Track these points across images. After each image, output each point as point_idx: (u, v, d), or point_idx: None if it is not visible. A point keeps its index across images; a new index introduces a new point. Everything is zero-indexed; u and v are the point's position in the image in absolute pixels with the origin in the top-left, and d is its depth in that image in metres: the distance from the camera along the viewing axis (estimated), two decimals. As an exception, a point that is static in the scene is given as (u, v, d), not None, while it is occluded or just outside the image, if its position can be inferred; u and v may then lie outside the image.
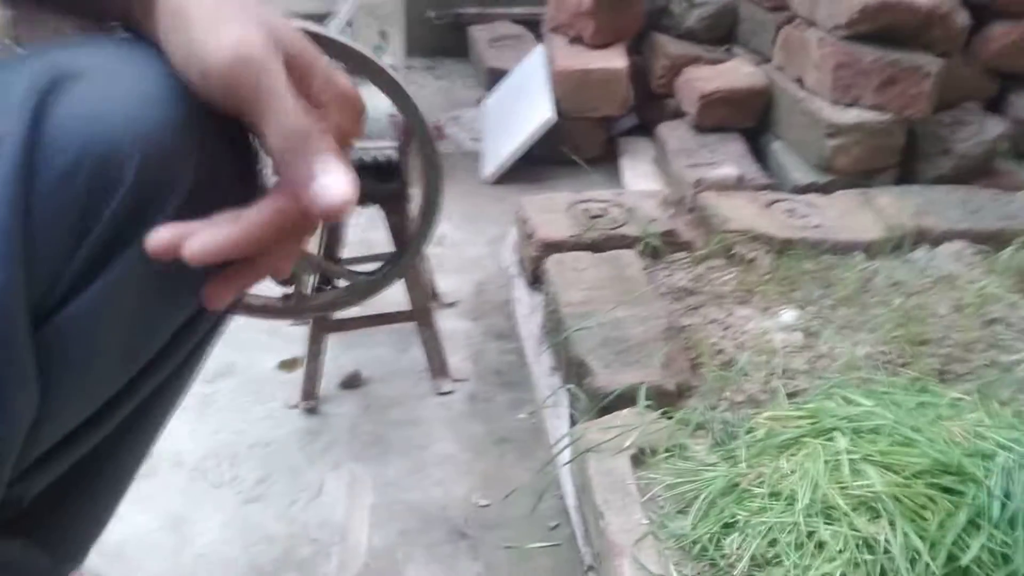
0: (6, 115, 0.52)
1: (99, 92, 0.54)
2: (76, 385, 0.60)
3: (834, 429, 1.13)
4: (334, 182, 0.53)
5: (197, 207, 0.57)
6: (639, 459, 1.25)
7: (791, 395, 1.37)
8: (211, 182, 0.58)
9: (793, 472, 1.07)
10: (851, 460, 1.06)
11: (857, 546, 0.98)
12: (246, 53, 0.52)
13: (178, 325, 0.64)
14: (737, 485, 1.11)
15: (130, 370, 0.63)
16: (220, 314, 0.71)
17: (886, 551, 0.96)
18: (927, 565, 0.94)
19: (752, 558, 1.02)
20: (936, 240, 1.84)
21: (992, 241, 1.83)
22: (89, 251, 0.55)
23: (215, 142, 0.59)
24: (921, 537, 0.96)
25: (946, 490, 1.01)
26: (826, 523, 1.01)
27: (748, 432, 1.23)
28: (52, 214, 0.53)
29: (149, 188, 0.55)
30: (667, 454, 1.24)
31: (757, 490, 1.09)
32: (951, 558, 0.96)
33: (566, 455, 1.36)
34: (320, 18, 2.16)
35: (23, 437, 0.58)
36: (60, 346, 0.57)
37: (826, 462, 1.07)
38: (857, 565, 0.97)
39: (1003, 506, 0.97)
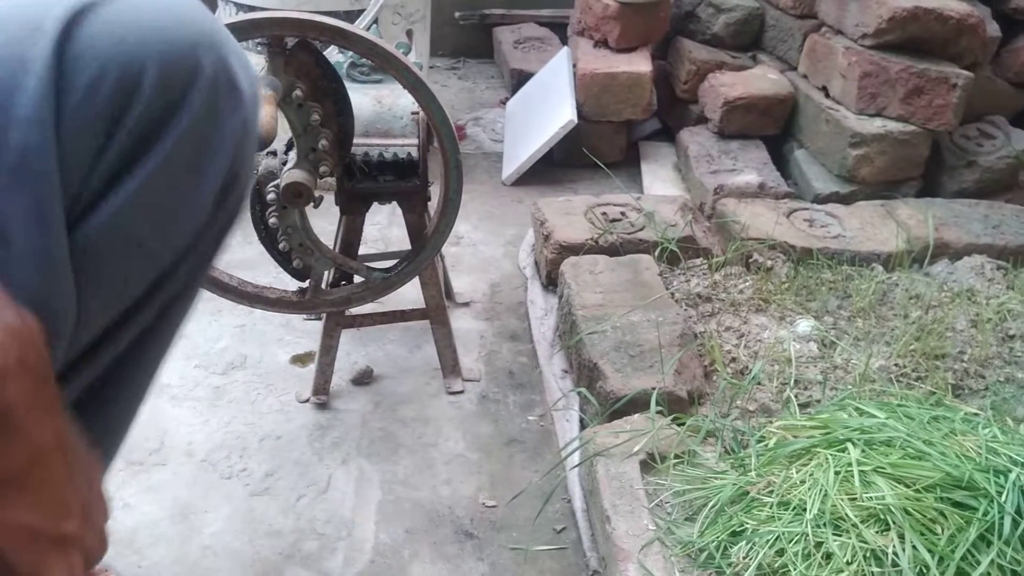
0: (39, 36, 0.56)
1: (126, 11, 0.59)
2: (102, 290, 0.64)
3: (846, 440, 1.12)
4: None
5: (203, 130, 0.62)
6: (648, 465, 1.25)
7: (804, 405, 1.36)
8: (217, 105, 0.62)
9: (803, 482, 1.07)
10: (862, 472, 1.05)
11: (865, 558, 0.97)
12: None
13: (184, 239, 0.68)
14: (746, 494, 1.10)
15: (146, 276, 0.67)
16: (214, 241, 0.74)
17: (895, 564, 0.95)
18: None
19: (759, 567, 1.02)
20: (957, 254, 1.82)
21: (1013, 257, 1.81)
22: (112, 159, 0.59)
23: (232, 68, 0.64)
24: (930, 551, 0.95)
25: (957, 504, 1.00)
26: (835, 534, 1.00)
27: (759, 441, 1.22)
28: (79, 127, 0.57)
29: (164, 101, 0.59)
30: (676, 460, 1.24)
31: (766, 499, 1.08)
32: (960, 573, 0.95)
33: (575, 458, 1.36)
34: (348, 15, 2.17)
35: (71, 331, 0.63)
36: (89, 251, 0.61)
37: (836, 473, 1.06)
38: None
39: (1015, 523, 0.96)
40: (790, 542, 1.02)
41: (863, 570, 0.96)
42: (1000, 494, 0.98)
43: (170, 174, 0.61)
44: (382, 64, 1.32)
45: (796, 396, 1.38)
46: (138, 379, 0.78)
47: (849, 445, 1.11)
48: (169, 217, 0.64)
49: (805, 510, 1.03)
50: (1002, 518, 0.96)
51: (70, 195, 0.57)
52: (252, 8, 2.13)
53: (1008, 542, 0.95)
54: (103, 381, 0.73)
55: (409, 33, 2.37)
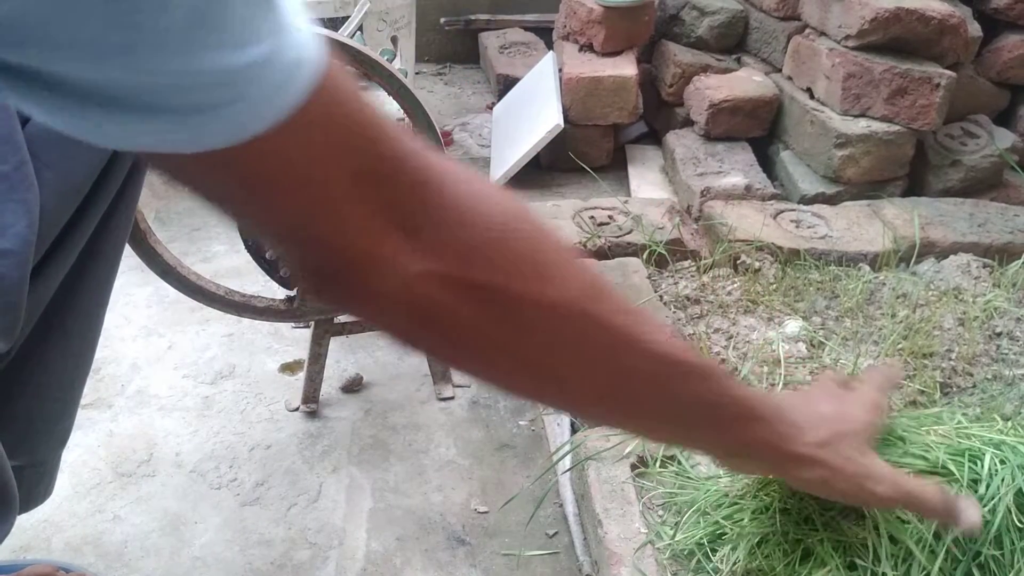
0: None
1: None
2: (56, 177, 0.75)
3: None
4: None
5: None
6: (639, 467, 1.25)
7: (793, 406, 1.37)
8: None
9: (779, 480, 1.07)
10: None
11: (845, 550, 0.97)
12: None
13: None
14: (727, 495, 1.10)
15: (90, 168, 0.79)
16: (132, 164, 0.85)
17: (874, 553, 0.96)
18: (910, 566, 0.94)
19: (747, 570, 1.02)
20: (943, 253, 1.83)
21: (999, 255, 1.82)
22: None
23: None
24: (895, 541, 0.95)
25: None
26: (811, 529, 1.00)
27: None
28: None
29: None
30: (667, 462, 1.24)
31: (750, 499, 1.08)
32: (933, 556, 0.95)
33: (566, 462, 1.36)
34: (333, 22, 2.17)
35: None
36: (37, 139, 0.72)
37: None
38: (853, 568, 0.96)
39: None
40: (769, 541, 1.02)
41: (840, 563, 0.97)
42: (976, 480, 0.98)
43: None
44: (367, 71, 1.32)
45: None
46: (95, 283, 0.90)
47: None
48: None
49: (787, 510, 1.03)
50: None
51: None
52: (236, 16, 2.12)
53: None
54: (71, 278, 0.84)
55: (394, 40, 2.37)
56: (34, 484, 0.96)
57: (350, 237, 0.46)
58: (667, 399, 0.63)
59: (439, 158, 0.51)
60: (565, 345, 0.55)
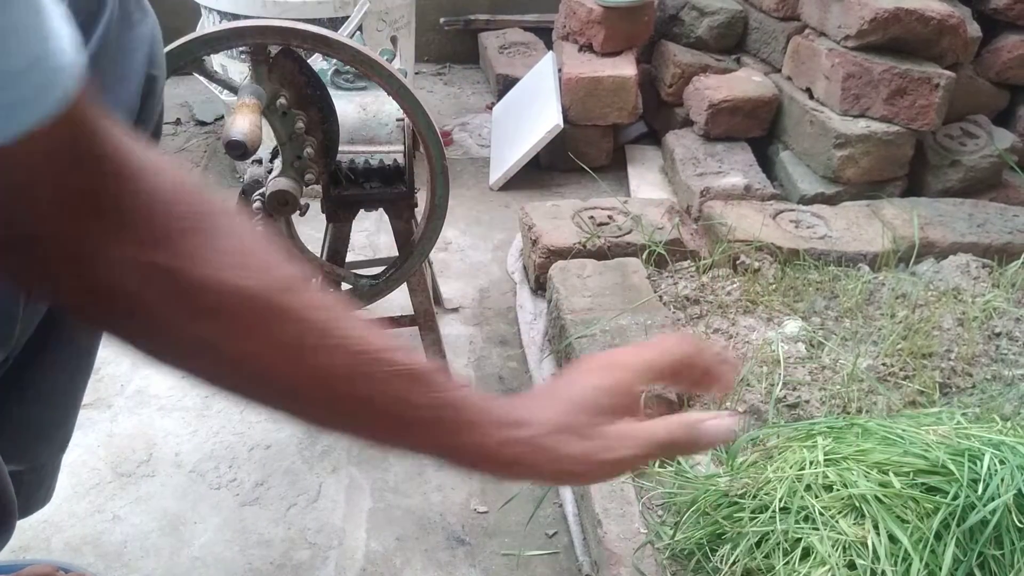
0: None
1: None
2: None
3: (817, 434, 1.13)
4: None
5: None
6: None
7: (792, 406, 1.37)
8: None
9: (778, 479, 1.07)
10: (835, 461, 1.06)
11: (844, 549, 0.97)
12: None
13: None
14: (727, 495, 1.10)
15: None
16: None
17: (874, 551, 0.96)
18: (911, 565, 0.94)
19: (745, 568, 1.02)
20: (942, 253, 1.83)
21: (998, 255, 1.82)
22: None
23: None
24: (893, 540, 0.96)
25: (931, 489, 1.00)
26: (812, 528, 1.00)
27: (752, 441, 1.23)
28: None
29: (87, 2, 0.74)
30: (667, 463, 1.24)
31: (750, 499, 1.08)
32: (935, 556, 0.95)
33: (566, 462, 1.36)
34: (332, 23, 2.17)
35: None
36: None
37: (810, 463, 1.07)
38: (852, 567, 0.96)
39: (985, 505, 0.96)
40: (770, 540, 1.02)
41: (839, 561, 0.97)
42: (975, 480, 0.98)
43: (100, 65, 0.74)
44: (367, 71, 1.32)
45: (785, 397, 1.38)
46: (56, 375, 0.88)
47: (819, 438, 1.12)
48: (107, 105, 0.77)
49: (789, 509, 1.03)
50: (973, 501, 0.97)
51: None
52: (235, 16, 2.13)
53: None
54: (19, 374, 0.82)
55: (394, 40, 2.37)
56: (34, 489, 0.96)
57: (55, 226, 0.49)
58: (364, 399, 0.60)
59: (142, 150, 0.53)
60: (251, 335, 0.56)
